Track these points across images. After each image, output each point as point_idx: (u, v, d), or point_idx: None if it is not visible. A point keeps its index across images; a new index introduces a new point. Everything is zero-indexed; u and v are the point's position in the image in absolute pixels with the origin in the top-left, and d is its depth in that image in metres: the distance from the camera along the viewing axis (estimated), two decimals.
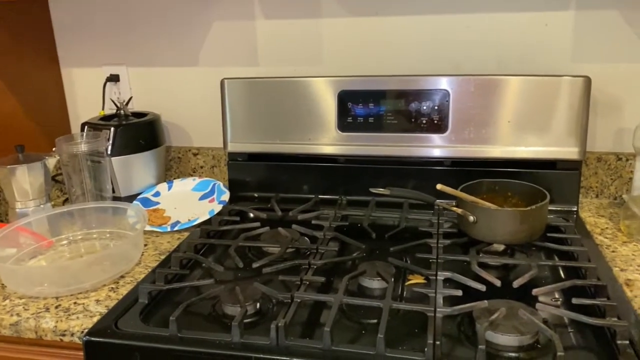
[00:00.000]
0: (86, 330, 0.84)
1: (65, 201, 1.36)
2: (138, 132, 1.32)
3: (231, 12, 1.34)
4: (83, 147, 1.22)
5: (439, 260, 0.97)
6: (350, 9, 1.28)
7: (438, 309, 0.82)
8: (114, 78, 1.44)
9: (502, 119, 1.17)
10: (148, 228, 1.18)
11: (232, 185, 1.34)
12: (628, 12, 1.16)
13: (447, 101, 1.18)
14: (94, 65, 1.46)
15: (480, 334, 0.74)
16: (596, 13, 1.18)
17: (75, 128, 1.53)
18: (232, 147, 1.31)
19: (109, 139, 1.28)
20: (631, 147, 1.16)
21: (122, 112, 1.35)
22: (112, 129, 1.28)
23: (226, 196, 1.27)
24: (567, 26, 1.20)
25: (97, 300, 0.92)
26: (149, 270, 1.02)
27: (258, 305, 0.89)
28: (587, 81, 1.12)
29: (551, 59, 1.22)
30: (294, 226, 1.12)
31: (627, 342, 0.75)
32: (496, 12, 1.22)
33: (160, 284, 0.95)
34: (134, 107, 1.46)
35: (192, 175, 1.46)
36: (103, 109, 1.43)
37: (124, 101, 1.37)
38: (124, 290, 0.95)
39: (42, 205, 1.23)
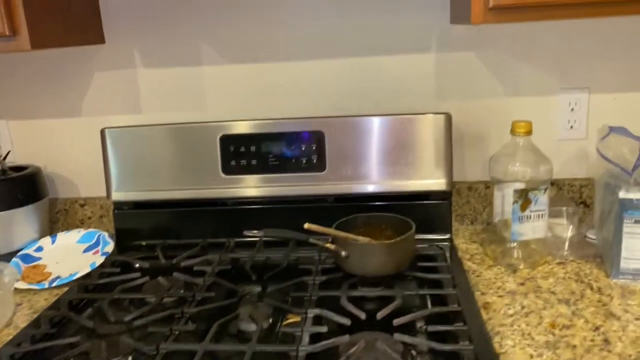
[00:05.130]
0: None
1: None
2: (16, 187, 1.29)
3: (111, 62, 1.35)
4: None
5: (312, 298, 1.00)
6: (228, 56, 1.32)
7: (301, 348, 0.84)
8: None
9: (375, 155, 1.23)
10: (25, 286, 1.14)
11: (120, 235, 1.32)
12: (480, 53, 1.27)
13: (322, 142, 1.23)
14: None
15: None
16: (454, 54, 1.28)
17: None
18: (116, 196, 1.30)
19: None
20: None
21: None
22: None
23: (110, 247, 1.25)
24: (429, 67, 1.29)
25: None
26: (18, 331, 0.98)
27: (130, 358, 0.87)
28: (448, 117, 1.21)
29: (418, 98, 1.30)
30: (175, 274, 1.12)
31: None
32: (367, 56, 1.30)
33: (26, 345, 0.92)
34: (16, 160, 1.42)
35: (80, 227, 1.43)
36: None
37: (0, 155, 1.33)
38: None
39: None
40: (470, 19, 0.94)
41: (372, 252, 1.04)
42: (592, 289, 1.01)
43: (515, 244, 1.13)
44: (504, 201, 1.11)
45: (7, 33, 1.01)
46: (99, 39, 1.32)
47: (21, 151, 1.43)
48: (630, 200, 0.99)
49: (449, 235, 1.25)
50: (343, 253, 1.05)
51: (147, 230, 1.32)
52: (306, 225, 1.02)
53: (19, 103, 1.40)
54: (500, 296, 1.01)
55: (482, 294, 1.02)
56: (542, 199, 1.09)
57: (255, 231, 1.06)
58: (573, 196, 1.32)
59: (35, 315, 1.04)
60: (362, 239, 1.08)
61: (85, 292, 1.11)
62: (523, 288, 1.03)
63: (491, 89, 1.29)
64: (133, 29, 1.32)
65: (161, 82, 1.35)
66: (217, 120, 1.28)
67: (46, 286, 1.14)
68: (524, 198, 1.08)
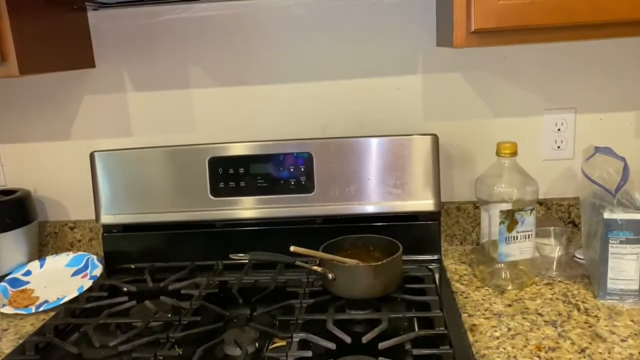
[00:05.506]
0: None
1: None
2: (5, 211, 1.29)
3: (101, 85, 1.36)
4: None
5: (298, 321, 0.99)
6: (217, 79, 1.33)
7: None
8: None
9: (363, 177, 1.23)
10: (12, 311, 1.14)
11: (109, 258, 1.32)
12: (468, 73, 1.28)
13: (310, 163, 1.24)
14: None
15: None
16: (441, 76, 1.29)
17: None
18: (105, 219, 1.30)
19: None
20: None
21: None
22: None
23: (98, 270, 1.25)
24: (416, 89, 1.30)
25: None
26: (3, 357, 0.98)
27: None
28: (435, 138, 1.21)
29: (405, 119, 1.31)
30: (162, 298, 1.11)
31: None
32: (355, 78, 1.31)
33: None
34: (6, 184, 1.42)
35: (69, 250, 1.43)
36: None
37: None
38: None
39: None
40: (453, 43, 0.95)
41: (359, 275, 1.04)
42: (579, 310, 1.01)
43: (503, 264, 1.12)
44: (491, 222, 1.11)
45: None
46: (90, 62, 1.33)
47: (11, 174, 1.43)
48: (615, 220, 0.99)
49: (438, 256, 1.25)
50: (330, 276, 1.05)
51: (136, 253, 1.32)
52: (292, 248, 1.02)
53: (9, 126, 1.40)
54: (487, 318, 1.00)
55: (470, 315, 1.02)
56: (528, 220, 1.09)
57: (241, 254, 1.06)
58: (562, 216, 1.32)
59: (21, 341, 1.03)
60: (349, 261, 1.08)
61: (71, 316, 1.10)
62: (510, 309, 1.03)
63: (478, 109, 1.30)
64: (123, 53, 1.33)
65: (150, 105, 1.36)
66: (206, 142, 1.29)
67: (33, 311, 1.14)
68: (510, 219, 1.08)
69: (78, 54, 1.29)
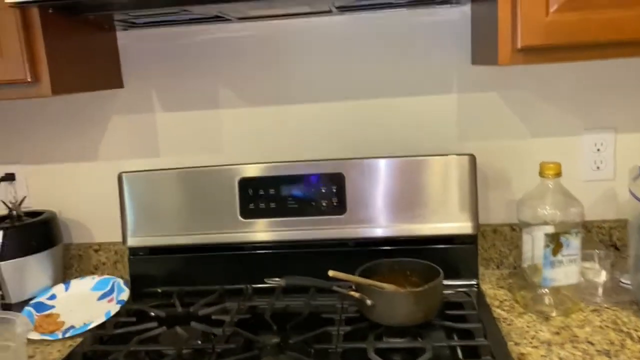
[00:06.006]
0: None
1: None
2: (30, 233, 1.26)
3: (129, 105, 1.34)
4: None
5: (337, 350, 0.95)
6: (245, 99, 1.31)
7: None
8: (8, 177, 1.39)
9: (397, 198, 1.20)
10: (38, 336, 1.10)
11: (135, 282, 1.29)
12: (505, 93, 1.25)
13: (342, 184, 1.21)
14: None
15: None
16: (477, 95, 1.26)
17: None
18: (132, 242, 1.27)
19: None
20: None
21: (14, 212, 1.29)
22: (1, 231, 1.22)
23: (125, 295, 1.21)
24: (451, 108, 1.27)
25: None
26: None
27: None
28: (472, 159, 1.18)
29: (440, 139, 1.28)
30: (192, 323, 1.08)
31: None
32: (386, 97, 1.28)
33: None
34: (31, 205, 1.40)
35: (94, 273, 1.40)
36: None
37: (16, 201, 1.31)
38: None
39: None
40: (497, 60, 0.92)
41: (400, 301, 1.00)
42: (632, 338, 0.96)
43: (546, 290, 1.08)
44: (534, 245, 1.07)
45: (29, 79, 1.00)
46: (118, 83, 1.32)
47: (37, 196, 1.41)
48: None
49: (475, 280, 1.21)
50: (368, 302, 1.01)
51: (163, 277, 1.29)
52: (331, 273, 0.98)
53: (36, 147, 1.39)
54: (535, 347, 0.96)
55: (516, 344, 0.97)
56: (574, 243, 1.05)
57: (277, 279, 1.02)
58: (602, 239, 1.28)
59: None
60: (387, 286, 1.04)
61: (100, 343, 1.07)
62: (559, 338, 0.98)
63: (514, 129, 1.27)
64: (151, 73, 1.32)
65: (179, 126, 1.34)
66: (235, 163, 1.26)
67: (59, 337, 1.10)
68: (555, 242, 1.04)
69: (107, 74, 1.28)
